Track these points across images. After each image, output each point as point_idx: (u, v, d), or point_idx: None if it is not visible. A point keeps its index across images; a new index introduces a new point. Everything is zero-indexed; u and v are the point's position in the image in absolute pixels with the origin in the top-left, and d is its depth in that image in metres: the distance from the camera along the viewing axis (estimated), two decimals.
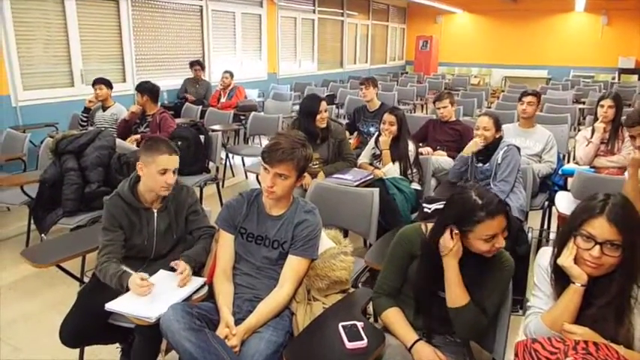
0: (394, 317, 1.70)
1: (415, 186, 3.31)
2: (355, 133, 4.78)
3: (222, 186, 5.13)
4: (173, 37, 7.24)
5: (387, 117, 3.37)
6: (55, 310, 2.77)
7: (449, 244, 1.56)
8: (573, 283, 1.39)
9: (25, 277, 3.27)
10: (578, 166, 3.67)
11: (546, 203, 3.57)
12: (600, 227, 1.36)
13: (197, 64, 6.96)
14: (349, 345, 1.48)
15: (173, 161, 2.06)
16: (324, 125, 3.37)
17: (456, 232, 1.56)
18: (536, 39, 13.96)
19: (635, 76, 12.46)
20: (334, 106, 6.33)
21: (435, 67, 14.46)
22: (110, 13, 6.15)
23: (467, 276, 1.59)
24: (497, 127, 3.13)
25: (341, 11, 11.83)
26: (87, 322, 1.92)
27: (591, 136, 3.69)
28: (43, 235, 3.17)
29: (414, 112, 8.76)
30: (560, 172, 3.56)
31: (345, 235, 3.33)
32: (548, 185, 3.72)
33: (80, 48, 5.77)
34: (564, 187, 3.66)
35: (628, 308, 1.36)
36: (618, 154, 3.61)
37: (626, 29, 12.94)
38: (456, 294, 1.57)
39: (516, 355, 1.33)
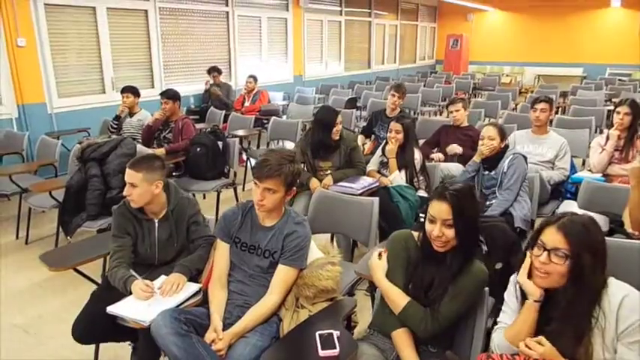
0: (402, 341, 1.71)
1: (422, 193, 3.37)
2: (372, 137, 4.85)
3: (243, 189, 5.31)
4: (200, 42, 7.48)
5: (394, 125, 3.43)
6: (77, 308, 2.96)
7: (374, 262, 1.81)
8: (528, 299, 1.45)
9: (52, 276, 3.46)
10: (592, 173, 3.64)
11: (557, 211, 3.55)
12: (551, 235, 1.44)
13: (214, 71, 7.13)
14: (322, 353, 1.59)
15: (129, 175, 2.14)
16: (338, 137, 3.46)
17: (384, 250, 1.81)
18: (570, 36, 13.59)
19: None
20: (354, 110, 6.38)
21: (465, 66, 14.30)
22: (139, 22, 6.43)
23: (441, 279, 1.70)
24: (502, 136, 3.15)
25: (368, 11, 11.86)
26: (96, 322, 2.08)
27: (605, 143, 3.64)
28: (68, 237, 3.40)
29: (440, 114, 8.70)
30: (570, 180, 3.53)
31: (355, 244, 3.45)
32: (561, 192, 3.69)
33: (111, 56, 6.06)
34: (576, 195, 3.63)
35: (588, 327, 1.40)
36: (632, 161, 3.55)
37: None
38: (393, 304, 1.73)
39: None
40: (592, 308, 1.41)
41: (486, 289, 1.75)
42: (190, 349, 1.64)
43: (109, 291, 2.13)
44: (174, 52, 7.06)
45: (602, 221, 2.75)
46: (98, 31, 5.87)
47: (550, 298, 1.47)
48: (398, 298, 1.72)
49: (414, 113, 7.49)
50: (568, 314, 1.42)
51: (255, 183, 1.94)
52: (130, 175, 2.14)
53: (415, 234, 1.83)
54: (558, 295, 1.46)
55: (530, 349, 1.38)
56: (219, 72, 7.21)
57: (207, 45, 7.62)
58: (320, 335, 1.65)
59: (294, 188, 2.04)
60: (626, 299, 1.38)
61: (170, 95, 4.56)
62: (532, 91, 9.65)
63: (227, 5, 7.78)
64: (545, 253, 1.44)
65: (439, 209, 1.65)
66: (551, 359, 1.36)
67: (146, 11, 6.44)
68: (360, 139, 4.75)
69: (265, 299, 1.92)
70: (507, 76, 14.03)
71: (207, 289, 2.04)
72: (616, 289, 1.42)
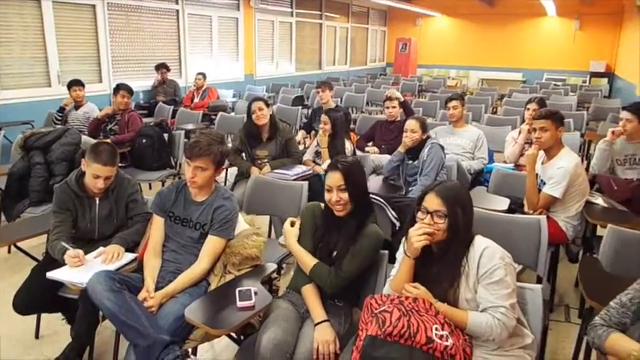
0: (308, 294, 1.99)
1: None
2: (312, 132, 5.12)
3: None
4: (149, 39, 7.54)
5: (323, 117, 3.73)
6: None
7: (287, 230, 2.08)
8: (408, 256, 1.74)
9: None
10: (506, 164, 4.04)
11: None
12: (431, 200, 1.74)
13: (162, 67, 7.23)
14: (239, 304, 1.83)
15: (105, 171, 2.34)
16: (261, 123, 3.70)
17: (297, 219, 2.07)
18: (511, 42, 14.38)
19: (605, 80, 12.91)
20: (301, 107, 6.64)
21: (414, 69, 14.85)
22: (86, 16, 6.45)
23: (343, 241, 1.98)
24: (424, 129, 3.49)
25: (319, 13, 12.17)
26: (36, 293, 2.25)
27: (518, 137, 4.06)
28: (10, 223, 3.47)
29: (383, 113, 9.08)
30: (485, 169, 3.92)
31: None
32: (481, 181, 4.08)
33: (57, 50, 6.06)
34: None
35: (458, 274, 1.71)
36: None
37: (597, 34, 13.37)
38: (304, 264, 2.00)
39: (363, 308, 1.68)
40: (462, 258, 1.71)
41: (386, 251, 2.05)
42: (123, 304, 1.84)
43: (49, 265, 2.28)
44: (123, 47, 7.10)
45: (504, 202, 3.13)
46: (44, 24, 5.86)
47: (431, 252, 1.76)
48: (307, 260, 1.99)
49: (361, 112, 7.84)
50: (447, 264, 1.72)
51: (188, 162, 2.15)
52: (108, 170, 2.34)
53: (322, 205, 2.10)
54: (440, 249, 1.75)
55: (408, 292, 1.67)
56: (167, 69, 7.30)
57: (157, 42, 7.68)
58: (239, 291, 1.89)
59: (223, 166, 2.27)
60: (486, 250, 1.69)
61: (131, 90, 4.75)
62: (472, 93, 10.21)
63: (177, 3, 7.88)
64: (429, 215, 1.73)
65: (333, 178, 1.96)
66: (425, 299, 1.65)
67: (94, 6, 6.46)
68: (301, 134, 5.02)
69: (195, 265, 2.14)
70: (453, 79, 14.67)
71: (143, 259, 2.24)
72: (480, 242, 1.73)
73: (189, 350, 1.98)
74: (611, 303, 1.65)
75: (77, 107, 5.07)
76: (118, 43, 6.99)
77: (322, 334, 1.82)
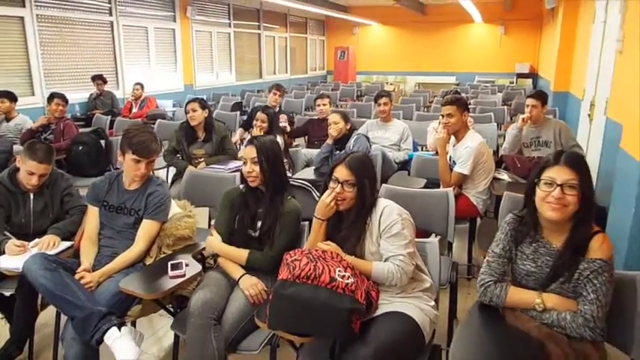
0: (224, 260, 2.22)
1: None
2: (250, 130, 5.30)
3: None
4: (84, 51, 7.51)
5: (260, 115, 3.94)
6: None
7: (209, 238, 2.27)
8: (318, 218, 1.99)
9: None
10: (428, 151, 4.39)
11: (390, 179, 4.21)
12: (340, 171, 1.97)
13: (99, 79, 7.25)
14: (171, 273, 2.00)
15: (40, 169, 2.46)
16: (193, 123, 3.92)
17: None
18: (444, 48, 15.18)
19: (530, 80, 13.86)
20: (238, 112, 6.82)
21: (353, 76, 15.34)
22: (14, 29, 6.37)
23: (267, 213, 2.20)
24: (346, 120, 3.77)
25: (257, 24, 12.41)
26: None
27: (438, 127, 4.41)
28: None
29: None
30: (408, 157, 4.25)
31: None
32: (408, 170, 4.40)
33: None
34: None
35: (363, 231, 1.95)
36: None
37: (521, 38, 14.36)
38: (238, 259, 2.18)
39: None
40: (366, 217, 1.96)
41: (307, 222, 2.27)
42: (58, 281, 1.95)
43: None
44: (56, 60, 7.04)
45: (421, 182, 3.44)
46: None
47: (341, 215, 2.00)
48: (239, 254, 2.18)
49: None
50: (354, 224, 1.96)
51: (139, 160, 2.29)
52: (43, 168, 2.46)
53: (242, 188, 2.32)
54: (348, 212, 1.98)
55: (321, 248, 1.90)
56: (104, 81, 7.29)
57: (92, 54, 7.66)
58: (171, 263, 2.05)
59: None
60: (385, 208, 1.94)
61: (65, 98, 4.80)
62: (406, 96, 10.74)
63: (111, 15, 7.88)
64: (339, 185, 1.96)
65: (248, 151, 2.23)
66: (335, 252, 1.87)
67: (22, 18, 6.40)
68: (240, 132, 5.20)
69: (132, 247, 2.27)
70: (391, 84, 15.25)
71: (79, 247, 2.35)
72: (381, 203, 1.98)
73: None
74: (488, 258, 1.81)
75: (8, 119, 5.03)
76: (50, 55, 6.93)
77: (247, 282, 2.08)
